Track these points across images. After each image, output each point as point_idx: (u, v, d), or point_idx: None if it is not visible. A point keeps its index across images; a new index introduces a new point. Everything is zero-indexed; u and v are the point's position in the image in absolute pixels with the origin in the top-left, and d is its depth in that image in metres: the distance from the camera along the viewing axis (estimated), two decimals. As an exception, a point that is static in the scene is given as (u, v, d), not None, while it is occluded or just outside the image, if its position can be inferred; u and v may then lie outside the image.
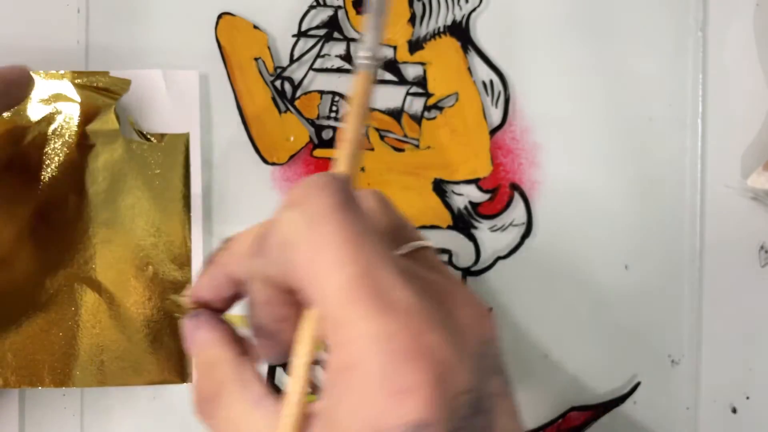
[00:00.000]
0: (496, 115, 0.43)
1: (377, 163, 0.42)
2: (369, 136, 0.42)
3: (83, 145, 0.40)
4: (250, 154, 0.42)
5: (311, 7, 0.42)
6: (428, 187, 0.43)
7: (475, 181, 0.43)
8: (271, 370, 0.41)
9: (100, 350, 0.40)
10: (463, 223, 0.43)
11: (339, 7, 0.42)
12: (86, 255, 0.40)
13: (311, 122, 0.42)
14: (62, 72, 0.40)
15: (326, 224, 0.21)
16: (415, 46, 0.43)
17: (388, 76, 0.43)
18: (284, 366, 0.39)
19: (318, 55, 0.42)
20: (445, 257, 0.43)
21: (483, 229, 0.43)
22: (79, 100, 0.40)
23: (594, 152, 0.44)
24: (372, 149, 0.42)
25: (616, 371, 0.44)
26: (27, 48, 0.41)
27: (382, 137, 0.42)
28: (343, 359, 0.20)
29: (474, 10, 0.43)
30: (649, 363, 0.44)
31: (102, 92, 0.40)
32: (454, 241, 0.43)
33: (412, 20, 0.43)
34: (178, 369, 0.40)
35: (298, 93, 0.42)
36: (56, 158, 0.40)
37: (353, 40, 0.42)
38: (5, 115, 0.39)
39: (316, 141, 0.42)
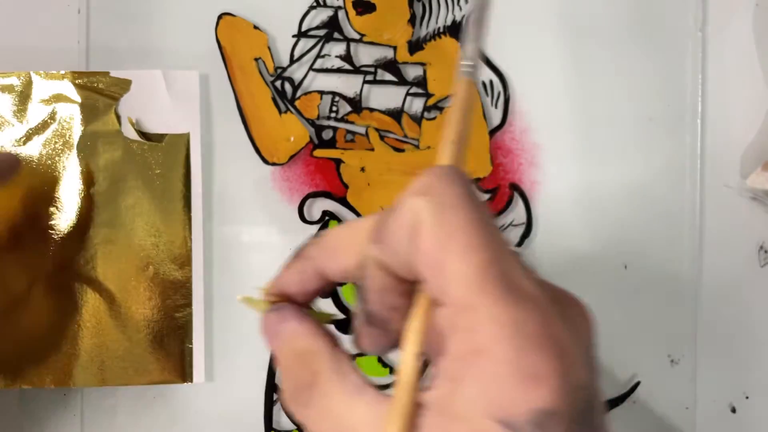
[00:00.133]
0: (495, 116, 0.43)
1: (377, 163, 0.42)
2: (369, 136, 0.42)
3: (83, 145, 0.40)
4: (250, 154, 0.42)
5: (311, 8, 0.42)
6: (428, 187, 0.43)
7: (475, 182, 0.43)
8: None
9: (100, 350, 0.40)
10: (462, 223, 0.43)
11: (339, 7, 0.42)
12: (87, 255, 0.40)
13: (311, 122, 0.42)
14: (63, 72, 0.40)
15: (456, 212, 0.21)
16: (415, 46, 0.43)
17: (388, 77, 0.43)
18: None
19: (318, 56, 0.42)
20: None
21: (483, 229, 0.43)
22: (79, 100, 0.40)
23: (594, 152, 0.44)
24: (372, 149, 0.42)
25: (616, 371, 0.44)
26: (27, 48, 0.41)
27: (382, 137, 0.42)
28: (469, 345, 0.20)
29: (474, 10, 0.43)
30: (649, 363, 0.44)
31: (102, 93, 0.40)
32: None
33: (412, 21, 0.43)
34: (178, 369, 0.40)
35: (299, 93, 0.42)
36: (57, 159, 0.40)
37: (353, 40, 0.43)
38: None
39: (316, 141, 0.42)
